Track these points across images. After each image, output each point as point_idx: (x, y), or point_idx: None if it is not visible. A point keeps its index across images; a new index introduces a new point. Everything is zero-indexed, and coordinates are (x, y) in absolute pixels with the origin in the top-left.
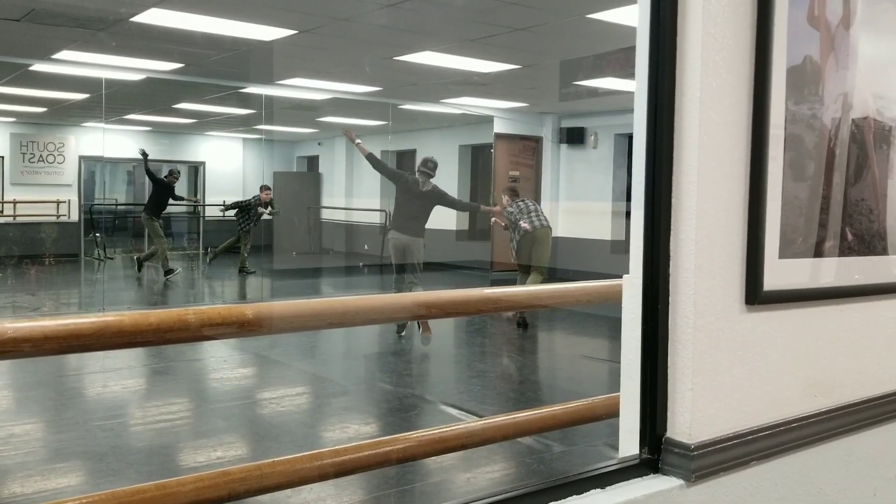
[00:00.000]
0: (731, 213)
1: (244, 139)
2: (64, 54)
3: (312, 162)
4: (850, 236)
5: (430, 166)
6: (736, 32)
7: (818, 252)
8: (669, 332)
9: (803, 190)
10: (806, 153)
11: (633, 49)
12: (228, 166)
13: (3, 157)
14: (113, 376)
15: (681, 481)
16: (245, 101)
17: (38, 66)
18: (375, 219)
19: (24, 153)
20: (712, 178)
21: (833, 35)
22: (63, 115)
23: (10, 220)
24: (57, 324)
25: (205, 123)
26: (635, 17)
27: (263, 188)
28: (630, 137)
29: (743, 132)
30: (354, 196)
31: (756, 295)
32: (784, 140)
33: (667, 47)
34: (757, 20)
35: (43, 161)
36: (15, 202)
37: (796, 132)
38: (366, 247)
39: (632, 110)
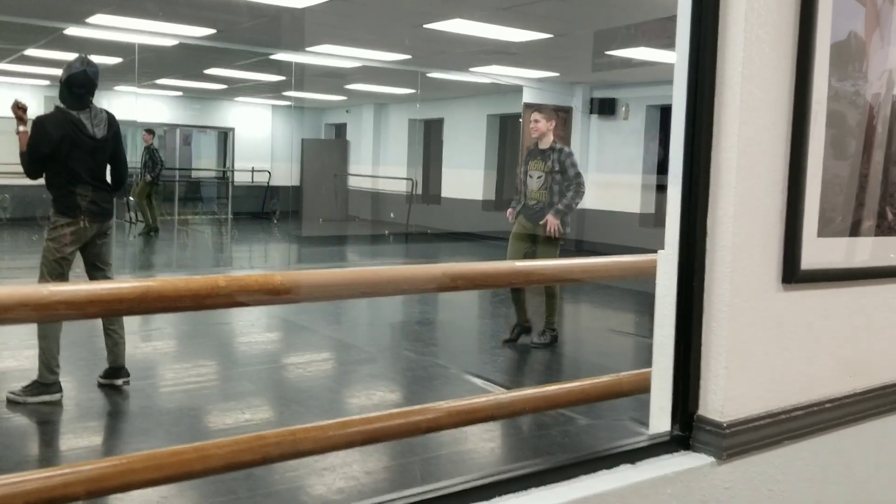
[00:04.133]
0: (771, 190)
1: (273, 106)
2: (97, 18)
3: (340, 129)
4: (890, 216)
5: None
6: (780, 6)
7: (857, 231)
8: (704, 309)
9: (844, 168)
10: (848, 131)
11: (668, 19)
12: (257, 133)
13: None
14: (143, 337)
15: (712, 459)
16: (275, 67)
17: (72, 30)
18: (402, 187)
19: None
20: (752, 155)
21: (879, 10)
22: None
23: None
24: (101, 287)
25: (235, 90)
26: None
27: (145, 131)
28: (662, 109)
29: (784, 108)
30: (381, 164)
31: (793, 274)
32: (826, 117)
33: (709, 21)
34: None
35: None
36: None
37: (839, 109)
38: (391, 215)
39: (665, 82)
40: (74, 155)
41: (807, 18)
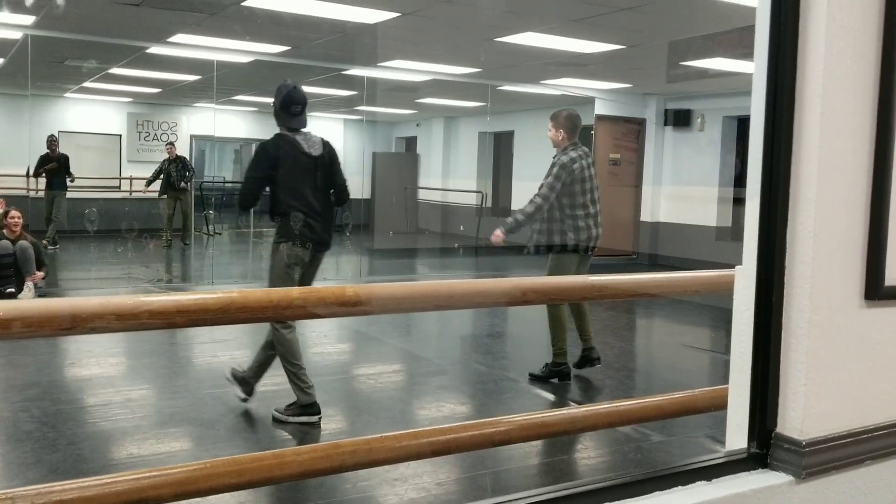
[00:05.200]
0: (853, 204)
1: (345, 120)
2: (178, 37)
3: (410, 143)
4: None
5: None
6: (863, 18)
7: None
8: (783, 325)
9: None
10: None
11: (746, 29)
12: None
13: (120, 136)
14: (220, 347)
15: (790, 477)
16: (347, 82)
17: (155, 49)
18: (471, 200)
19: (139, 132)
20: (834, 169)
21: None
22: (176, 95)
23: (126, 195)
24: (188, 298)
25: (308, 104)
26: None
27: (167, 144)
28: (740, 120)
29: (868, 121)
30: (451, 177)
31: (876, 290)
32: None
33: (788, 33)
34: (885, 5)
35: (157, 140)
36: (131, 178)
37: None
38: (461, 227)
39: (742, 92)
40: (294, 175)
41: (890, 29)
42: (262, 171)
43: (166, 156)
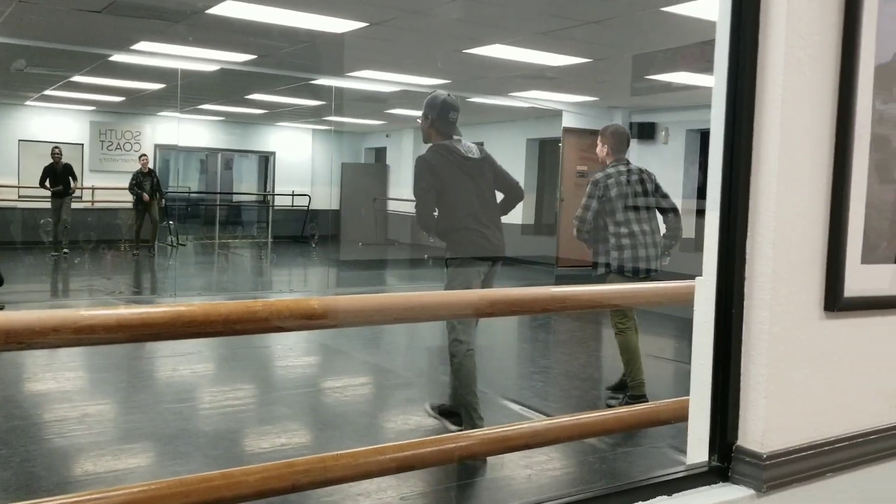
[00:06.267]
0: (812, 216)
1: (314, 130)
2: (142, 45)
3: (380, 153)
4: None
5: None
6: (823, 29)
7: None
8: (743, 337)
9: (890, 193)
10: (893, 154)
11: (708, 43)
12: (298, 157)
13: (82, 145)
14: (182, 361)
15: (752, 491)
16: (315, 92)
17: (117, 57)
18: None
19: (102, 141)
20: (793, 180)
21: None
22: (140, 104)
23: (88, 205)
24: (131, 312)
25: (276, 114)
26: (711, 11)
27: (141, 155)
28: (702, 133)
29: (827, 132)
30: None
31: (836, 301)
32: (870, 141)
33: (748, 44)
34: (844, 16)
35: (120, 149)
36: (93, 188)
37: (883, 133)
38: (431, 239)
39: (705, 106)
40: (459, 183)
41: (850, 41)
42: (428, 182)
43: (139, 167)
